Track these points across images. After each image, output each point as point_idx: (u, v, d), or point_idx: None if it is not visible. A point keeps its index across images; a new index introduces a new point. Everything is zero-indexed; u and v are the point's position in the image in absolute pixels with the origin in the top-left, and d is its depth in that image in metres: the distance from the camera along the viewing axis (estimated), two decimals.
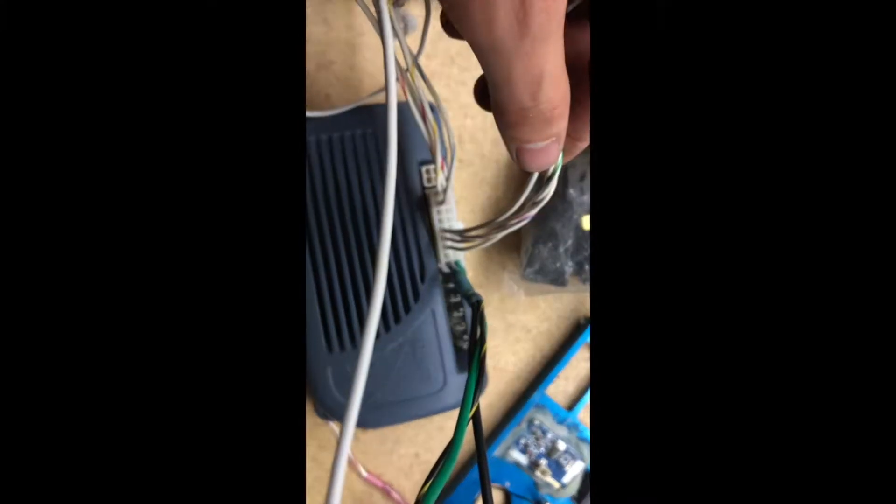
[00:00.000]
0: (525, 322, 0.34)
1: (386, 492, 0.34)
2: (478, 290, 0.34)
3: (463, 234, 0.28)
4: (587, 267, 0.31)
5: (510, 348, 0.34)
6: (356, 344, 0.29)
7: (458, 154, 0.33)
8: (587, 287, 0.32)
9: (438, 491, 0.21)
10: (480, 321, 0.24)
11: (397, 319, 0.29)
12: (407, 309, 0.30)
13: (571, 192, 0.30)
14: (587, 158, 0.31)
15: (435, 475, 0.21)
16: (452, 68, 0.31)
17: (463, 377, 0.30)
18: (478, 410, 0.22)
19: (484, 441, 0.22)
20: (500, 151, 0.33)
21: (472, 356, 0.23)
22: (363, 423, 0.30)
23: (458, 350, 0.31)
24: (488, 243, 0.26)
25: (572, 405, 0.35)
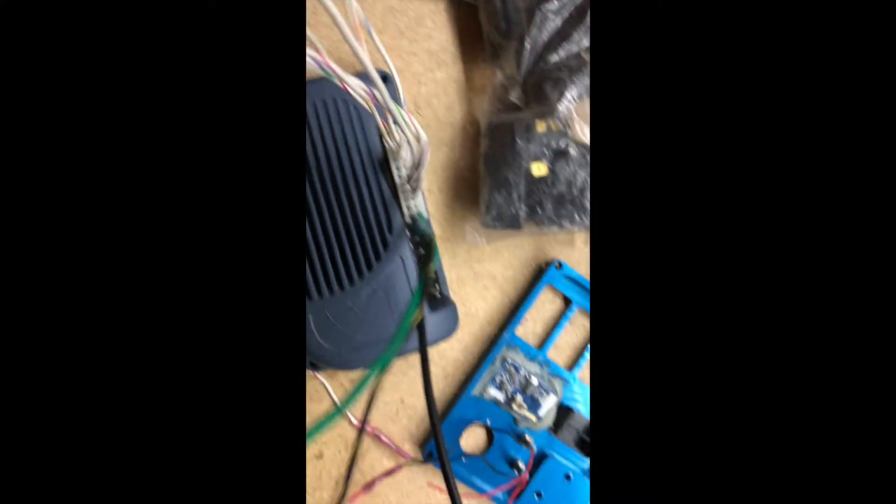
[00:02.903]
0: (491, 270, 0.37)
1: (376, 437, 0.37)
2: (445, 244, 0.37)
3: (409, 180, 0.31)
4: (539, 211, 0.34)
5: (479, 295, 0.37)
6: (333, 291, 0.32)
7: (416, 119, 0.37)
8: (541, 231, 0.35)
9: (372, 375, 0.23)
10: (428, 248, 0.27)
11: (369, 267, 0.33)
12: (378, 257, 0.33)
13: (519, 142, 0.34)
14: (533, 111, 0.34)
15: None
16: (402, 41, 0.35)
17: (433, 316, 0.33)
18: (423, 321, 0.25)
19: (427, 351, 0.25)
20: (455, 115, 0.36)
21: (420, 270, 0.26)
22: (347, 365, 0.33)
23: (429, 297, 0.34)
24: (421, 182, 0.30)
25: (541, 344, 0.38)
